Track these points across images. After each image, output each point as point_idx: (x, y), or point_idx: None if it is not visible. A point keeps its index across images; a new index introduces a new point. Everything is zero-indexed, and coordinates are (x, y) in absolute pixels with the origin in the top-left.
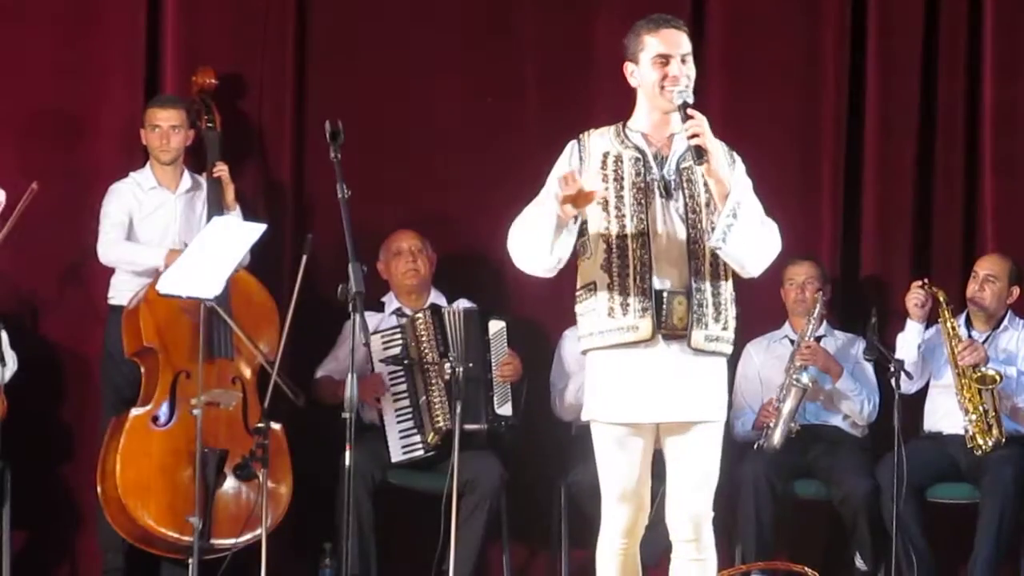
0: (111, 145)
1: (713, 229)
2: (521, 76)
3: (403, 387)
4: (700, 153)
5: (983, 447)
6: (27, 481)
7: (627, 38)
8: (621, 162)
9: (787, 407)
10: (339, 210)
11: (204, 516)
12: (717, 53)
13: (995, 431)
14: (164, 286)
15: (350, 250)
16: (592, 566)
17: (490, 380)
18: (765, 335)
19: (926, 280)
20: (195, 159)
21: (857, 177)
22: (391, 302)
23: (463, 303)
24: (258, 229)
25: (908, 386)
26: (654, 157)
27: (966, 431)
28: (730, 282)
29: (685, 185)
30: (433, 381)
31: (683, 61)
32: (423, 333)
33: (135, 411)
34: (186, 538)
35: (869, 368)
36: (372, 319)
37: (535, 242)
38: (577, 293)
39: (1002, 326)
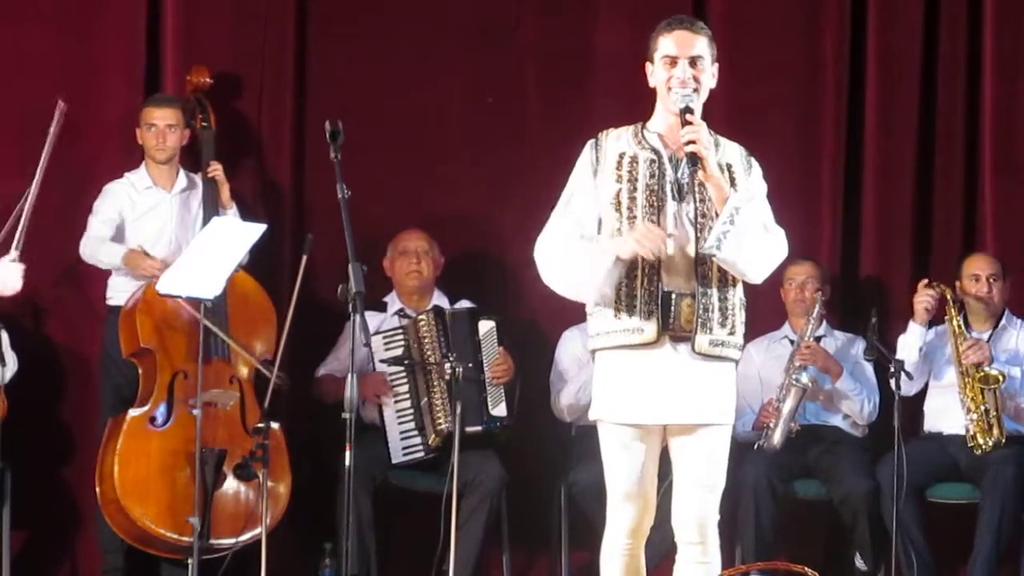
0: (111, 145)
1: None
2: (522, 77)
3: (404, 388)
4: (694, 161)
5: (983, 446)
6: (27, 481)
7: (649, 38)
8: (636, 163)
9: (787, 407)
10: (339, 210)
11: (203, 516)
12: (717, 53)
13: (996, 431)
14: (164, 286)
15: (350, 250)
16: (593, 567)
17: (483, 381)
18: (765, 335)
19: (934, 281)
20: (190, 159)
21: (857, 177)
22: (394, 302)
23: (464, 304)
24: (258, 229)
25: (908, 387)
26: (669, 159)
27: (967, 430)
28: (739, 287)
29: (697, 189)
30: (435, 383)
31: (693, 64)
32: (425, 335)
33: (133, 412)
34: (185, 538)
35: (869, 368)
36: (374, 319)
37: (584, 280)
38: None
39: (1001, 324)
